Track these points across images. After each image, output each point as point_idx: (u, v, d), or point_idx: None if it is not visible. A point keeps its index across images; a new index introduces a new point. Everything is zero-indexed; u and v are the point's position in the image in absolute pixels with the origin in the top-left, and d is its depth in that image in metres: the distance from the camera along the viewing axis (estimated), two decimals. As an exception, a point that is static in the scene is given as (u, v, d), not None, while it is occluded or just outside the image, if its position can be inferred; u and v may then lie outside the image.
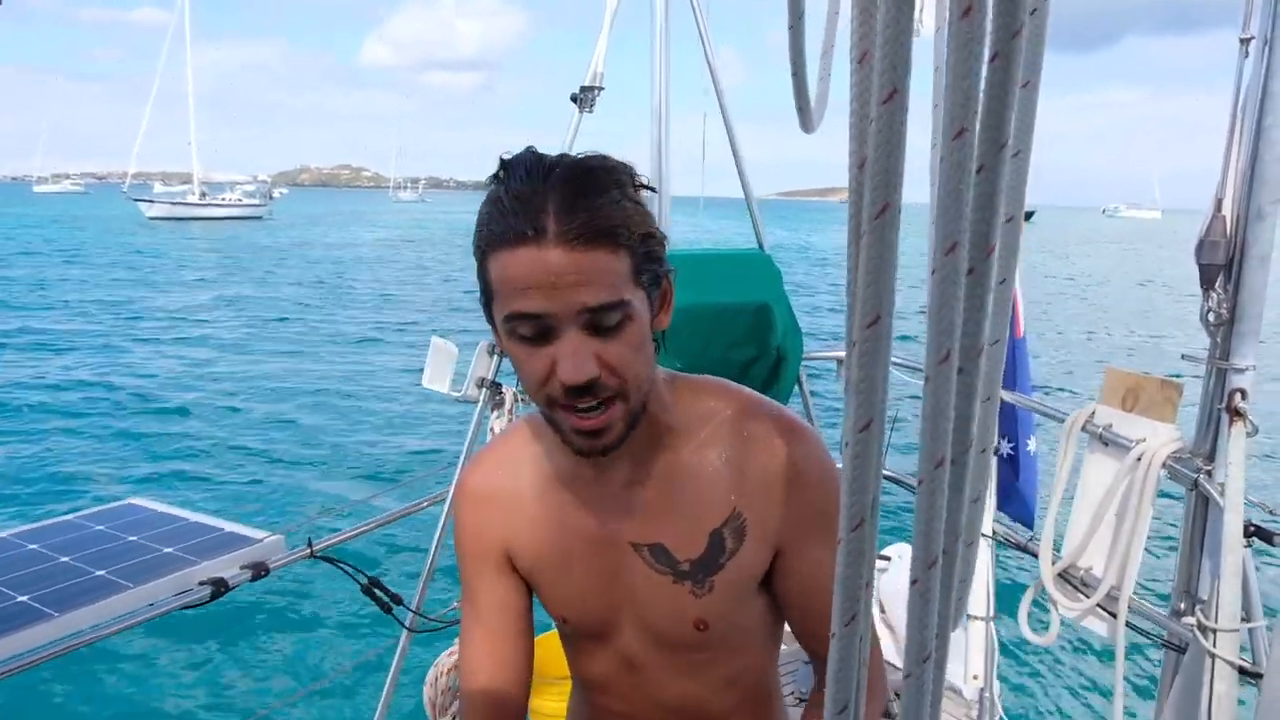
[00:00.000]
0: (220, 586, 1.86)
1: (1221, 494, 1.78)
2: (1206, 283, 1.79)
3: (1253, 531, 1.78)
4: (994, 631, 2.87)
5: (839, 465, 0.59)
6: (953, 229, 0.38)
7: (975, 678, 2.82)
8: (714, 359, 2.60)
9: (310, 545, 2.11)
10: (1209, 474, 1.84)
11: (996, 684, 2.85)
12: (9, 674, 1.56)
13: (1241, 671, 1.75)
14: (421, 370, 2.77)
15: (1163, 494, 1.97)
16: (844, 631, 0.44)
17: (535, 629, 1.32)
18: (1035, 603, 2.23)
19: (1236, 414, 1.77)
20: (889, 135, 0.38)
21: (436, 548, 2.56)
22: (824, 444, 1.16)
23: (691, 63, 3.10)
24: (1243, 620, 1.76)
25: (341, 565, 2.14)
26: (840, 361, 3.23)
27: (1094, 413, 2.12)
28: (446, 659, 2.42)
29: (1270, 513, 1.87)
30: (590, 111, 2.84)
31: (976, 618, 2.85)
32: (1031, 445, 3.16)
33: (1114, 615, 1.99)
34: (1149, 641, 2.03)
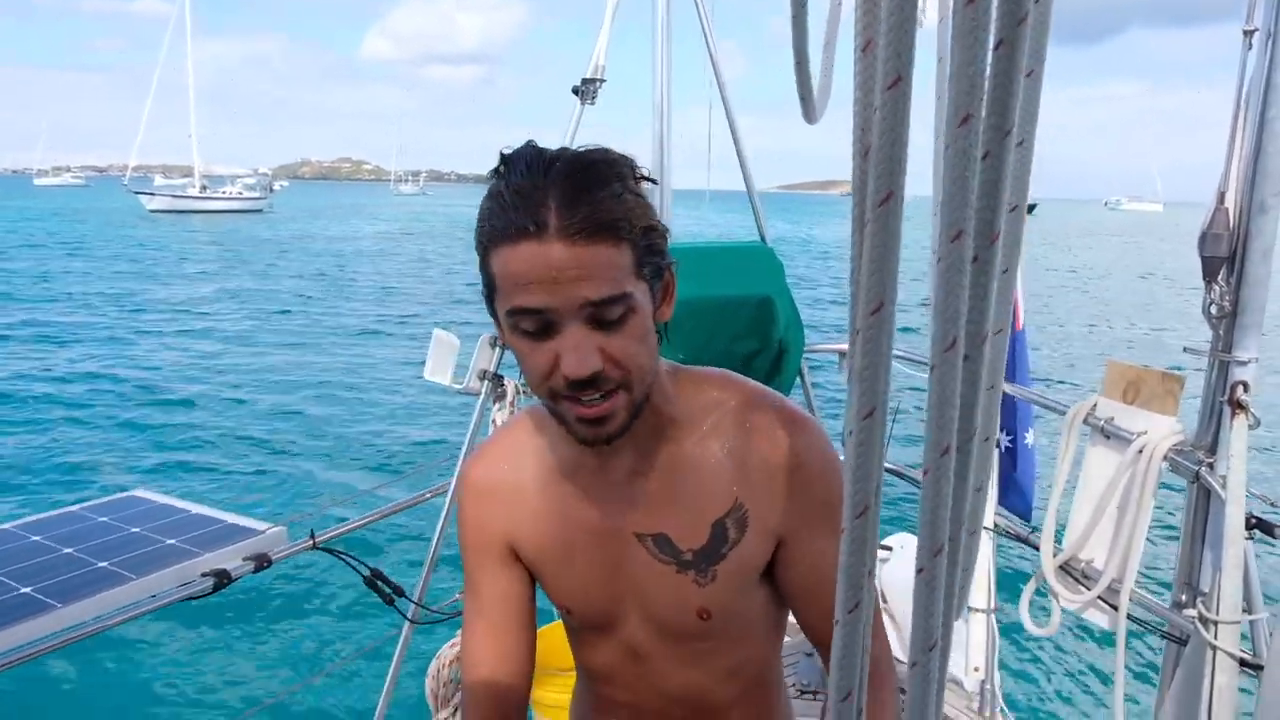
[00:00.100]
0: (223, 578, 1.87)
1: (1223, 486, 1.78)
2: (1209, 275, 1.79)
3: (1254, 524, 1.79)
4: (995, 624, 2.88)
5: (841, 456, 0.59)
6: (957, 216, 0.38)
7: (976, 669, 2.83)
8: (716, 352, 2.60)
9: (313, 537, 2.11)
10: (1210, 466, 1.84)
11: (998, 676, 2.85)
12: (13, 665, 1.57)
13: (1242, 663, 1.76)
14: (423, 362, 2.77)
15: (1164, 486, 1.97)
16: (847, 619, 0.44)
17: (538, 620, 1.33)
18: (1037, 593, 2.23)
19: (1238, 406, 1.77)
20: (893, 123, 0.38)
21: (438, 539, 2.56)
22: (826, 435, 1.16)
23: (693, 55, 3.09)
24: (1244, 612, 1.77)
25: (344, 557, 2.14)
26: (842, 354, 3.23)
27: (1095, 405, 2.12)
28: (449, 650, 2.42)
29: (1271, 505, 1.87)
30: (592, 104, 2.84)
31: (978, 610, 2.86)
32: (1029, 438, 3.16)
33: (1115, 607, 1.99)
34: (1150, 633, 2.04)
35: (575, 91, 2.84)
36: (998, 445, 3.01)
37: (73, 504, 2.19)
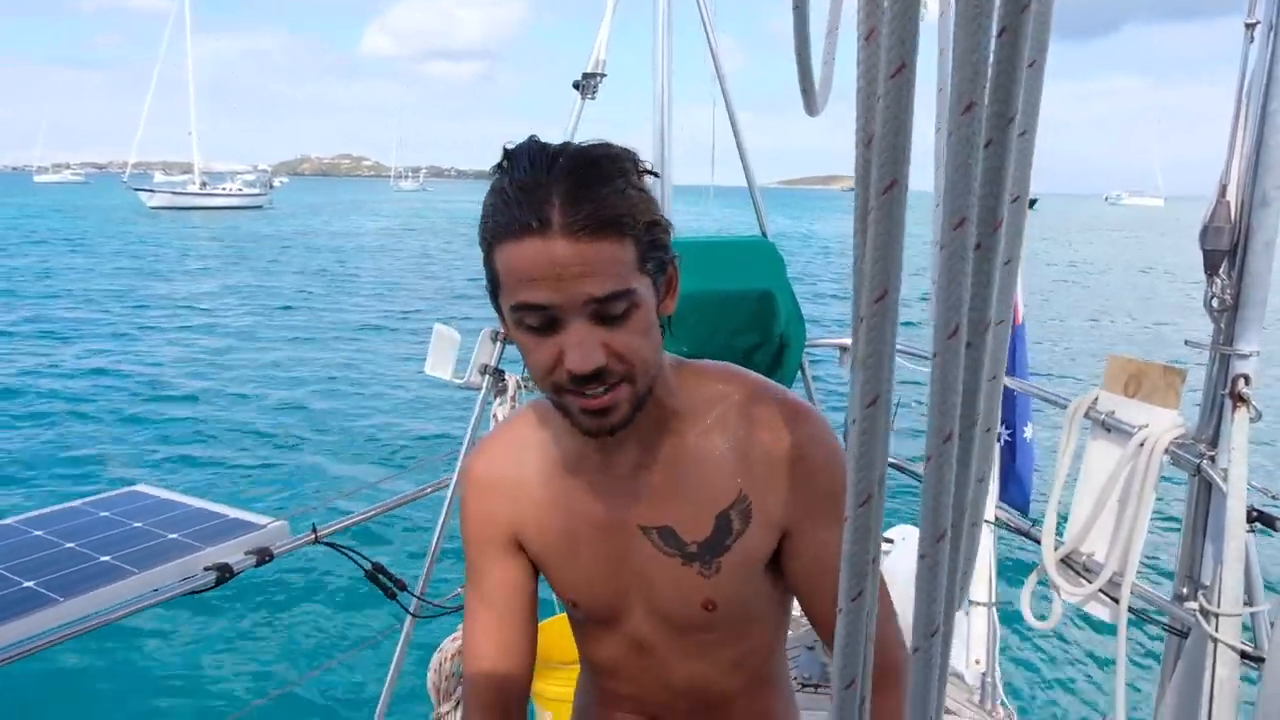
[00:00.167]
0: (225, 572, 1.87)
1: (1224, 479, 1.78)
2: (1211, 268, 1.79)
3: (1255, 517, 1.79)
4: (996, 617, 2.88)
5: (844, 445, 0.59)
6: (961, 204, 0.38)
7: (977, 662, 2.83)
8: (718, 346, 2.60)
9: (314, 531, 2.11)
10: (1212, 459, 1.84)
11: (998, 669, 2.86)
12: (17, 658, 1.57)
13: (1244, 655, 1.76)
14: (424, 357, 2.78)
15: (1165, 479, 1.97)
16: (850, 607, 0.44)
17: (539, 614, 1.33)
18: (1038, 587, 2.23)
19: (1240, 399, 1.77)
20: (897, 110, 0.38)
21: (440, 533, 2.57)
22: (830, 426, 1.16)
23: (693, 50, 3.09)
24: (1245, 604, 1.77)
25: (345, 551, 2.14)
26: (843, 348, 3.23)
27: (1097, 399, 2.12)
28: (450, 644, 2.43)
29: (1273, 498, 1.87)
30: (593, 98, 2.84)
31: (979, 603, 2.86)
32: (1028, 432, 3.17)
33: (1116, 600, 1.99)
34: (1151, 626, 2.04)
35: (576, 86, 2.84)
36: (998, 439, 3.01)
37: (75, 499, 2.20)
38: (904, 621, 0.99)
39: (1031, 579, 2.23)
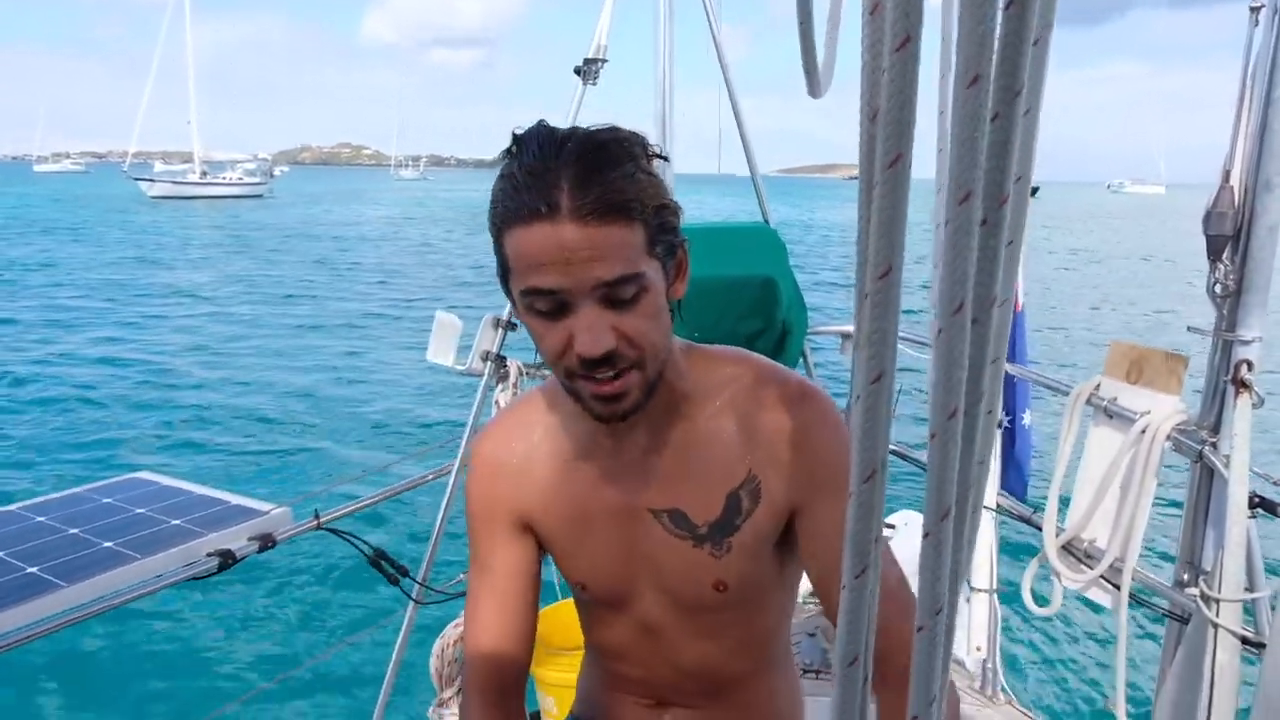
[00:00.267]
0: (228, 558, 1.87)
1: (1226, 465, 1.78)
2: (1214, 254, 1.79)
3: (1257, 503, 1.79)
4: (997, 603, 2.89)
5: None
6: (967, 178, 0.38)
7: (978, 649, 2.84)
8: (721, 332, 2.60)
9: (317, 517, 2.12)
10: (1214, 446, 1.84)
11: (999, 655, 2.86)
12: (21, 643, 1.58)
13: (1244, 641, 1.76)
14: (426, 344, 2.78)
15: (1166, 465, 1.97)
16: (854, 584, 0.44)
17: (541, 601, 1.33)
18: (1039, 573, 2.24)
19: (1242, 385, 1.77)
20: (902, 84, 0.38)
21: (442, 520, 2.57)
22: (836, 407, 1.17)
23: (694, 36, 3.08)
24: (1246, 590, 1.77)
25: (347, 537, 2.15)
26: (844, 335, 3.23)
27: (1099, 385, 2.12)
28: (453, 630, 2.43)
29: (1275, 484, 1.87)
30: (594, 84, 2.83)
31: (980, 590, 2.86)
32: (1027, 418, 3.17)
33: (1117, 586, 1.99)
34: (1152, 612, 2.04)
35: (577, 72, 2.83)
36: (999, 424, 3.01)
37: (78, 486, 2.20)
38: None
39: (1033, 565, 2.23)
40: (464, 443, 2.63)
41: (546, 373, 2.68)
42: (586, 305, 1.00)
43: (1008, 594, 3.00)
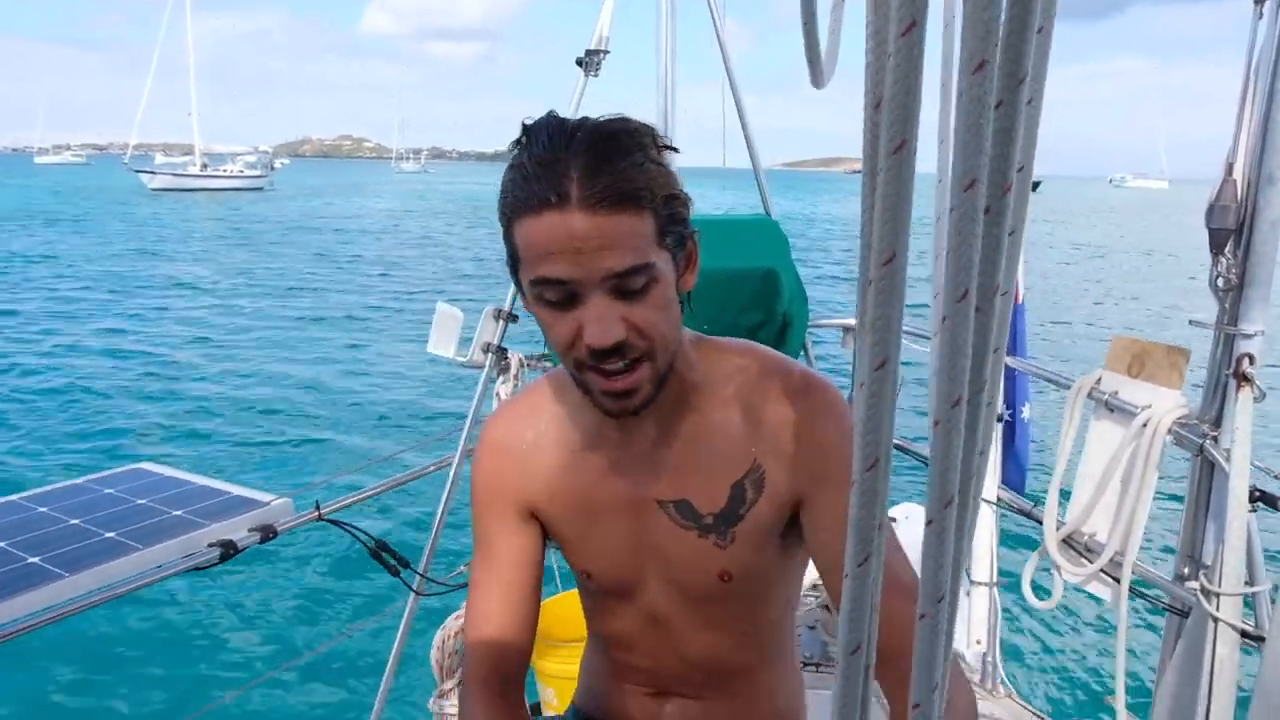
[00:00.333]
0: (229, 549, 1.88)
1: (1227, 459, 1.78)
2: (1216, 248, 1.78)
3: (1258, 496, 1.79)
4: (997, 597, 2.89)
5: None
6: (972, 164, 0.38)
7: (978, 642, 2.84)
8: (722, 323, 2.60)
9: (318, 508, 2.12)
10: (1215, 440, 1.84)
11: (999, 648, 2.87)
12: (22, 633, 1.58)
13: (1244, 635, 1.76)
14: (427, 337, 2.78)
15: (1168, 459, 1.97)
16: (857, 572, 0.44)
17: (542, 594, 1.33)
18: (1039, 567, 2.24)
19: (1244, 379, 1.77)
20: (907, 70, 0.38)
21: (443, 512, 2.57)
22: (842, 398, 1.17)
23: (697, 30, 3.07)
24: (1246, 584, 1.77)
25: (349, 528, 2.15)
26: (846, 328, 3.22)
27: (1100, 379, 2.12)
28: (454, 622, 2.44)
29: (1275, 477, 1.87)
30: (596, 75, 2.83)
31: (980, 583, 2.87)
32: (1026, 412, 3.17)
33: (1117, 580, 1.99)
34: (1152, 605, 2.04)
35: (579, 63, 2.82)
36: (999, 418, 3.02)
37: (80, 477, 2.21)
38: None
39: (1033, 559, 2.23)
40: (464, 434, 2.63)
41: (547, 365, 2.68)
42: (596, 296, 1.00)
43: (1008, 587, 3.00)
